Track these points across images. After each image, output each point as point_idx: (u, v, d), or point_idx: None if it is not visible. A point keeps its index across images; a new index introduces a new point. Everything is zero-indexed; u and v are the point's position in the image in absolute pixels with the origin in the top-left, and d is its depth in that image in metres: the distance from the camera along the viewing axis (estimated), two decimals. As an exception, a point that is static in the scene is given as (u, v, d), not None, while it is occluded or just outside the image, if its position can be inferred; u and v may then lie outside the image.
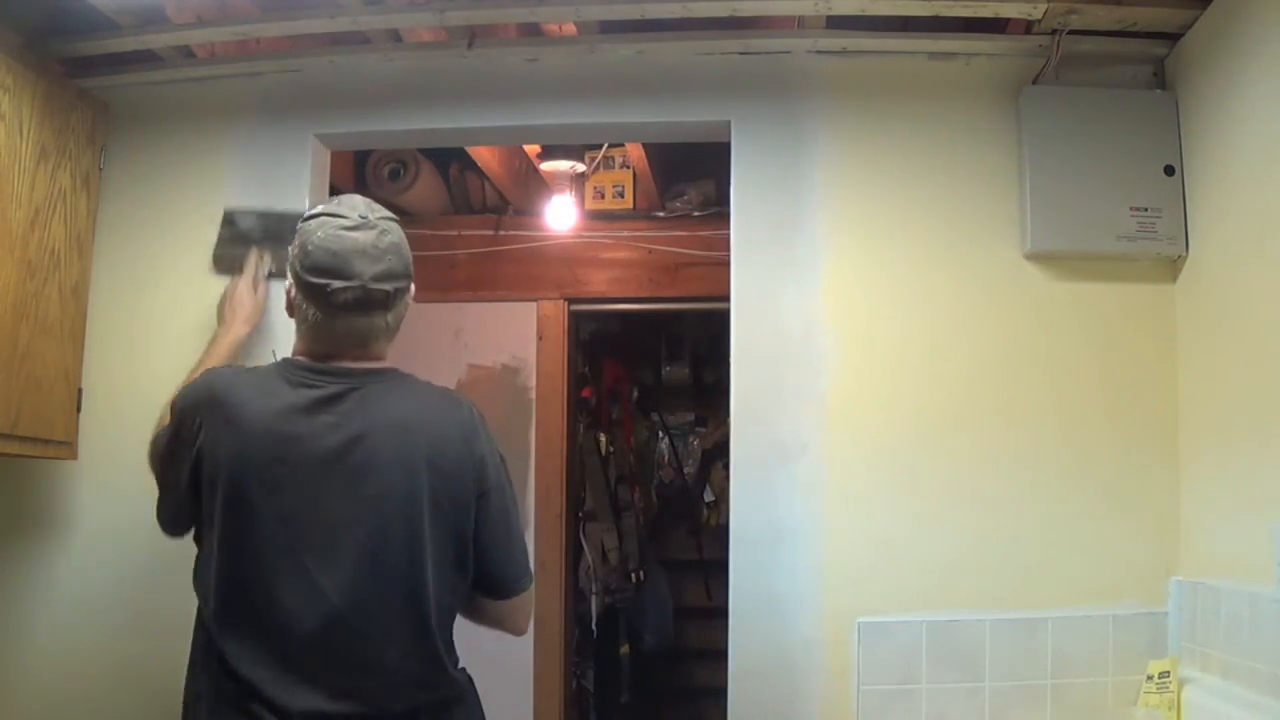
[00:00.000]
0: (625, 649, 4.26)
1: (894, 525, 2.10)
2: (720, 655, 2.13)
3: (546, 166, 3.43)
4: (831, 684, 2.06)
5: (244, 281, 2.13)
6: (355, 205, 1.56)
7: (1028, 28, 2.13)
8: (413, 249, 1.59)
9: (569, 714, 3.80)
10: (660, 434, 4.86)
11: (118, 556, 2.19)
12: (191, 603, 1.55)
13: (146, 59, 2.31)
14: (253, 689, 1.43)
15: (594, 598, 4.10)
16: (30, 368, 2.05)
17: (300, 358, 1.57)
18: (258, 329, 2.10)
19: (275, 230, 2.18)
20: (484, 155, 3.26)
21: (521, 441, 3.64)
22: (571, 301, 3.77)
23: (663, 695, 4.52)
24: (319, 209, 1.57)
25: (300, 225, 1.56)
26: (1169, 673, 1.96)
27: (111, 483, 2.20)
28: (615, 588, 4.23)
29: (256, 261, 2.17)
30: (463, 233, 3.73)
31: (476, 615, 1.66)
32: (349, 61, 2.32)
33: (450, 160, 3.66)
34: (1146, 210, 2.08)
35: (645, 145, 3.21)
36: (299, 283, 1.53)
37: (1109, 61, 2.16)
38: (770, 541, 2.11)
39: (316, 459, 1.48)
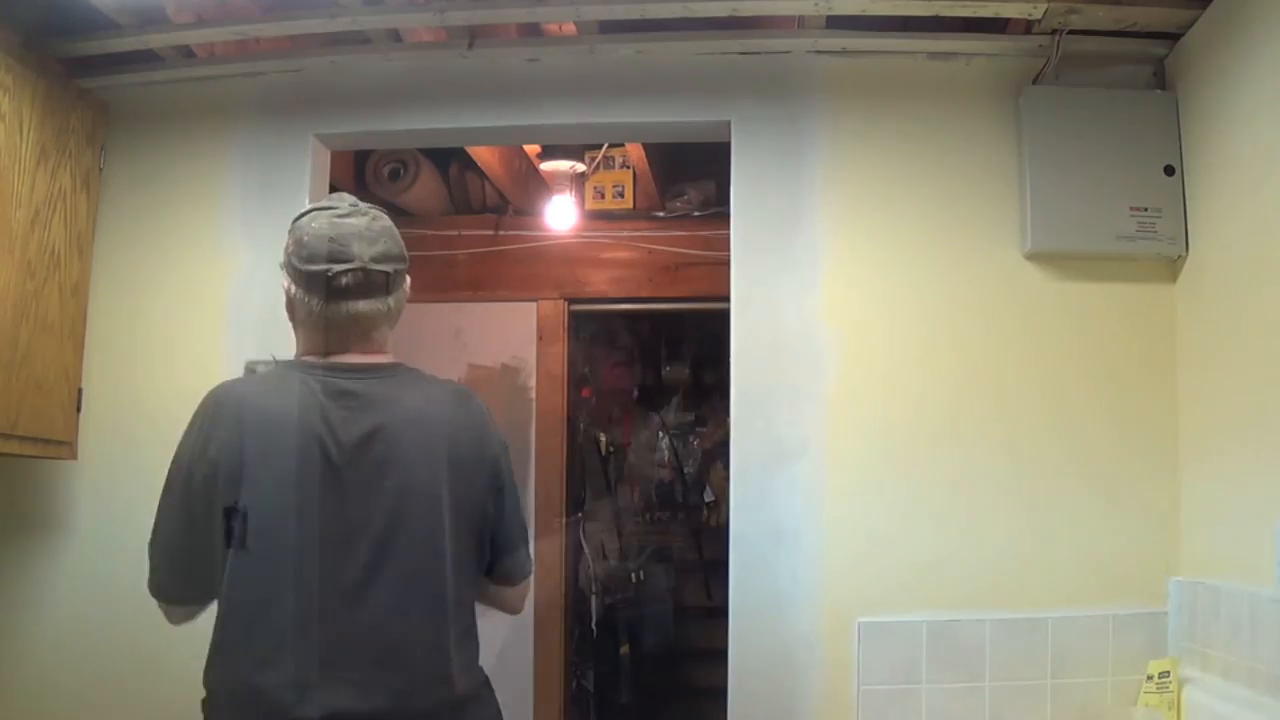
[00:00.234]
0: (625, 649, 4.25)
1: (894, 524, 2.10)
2: (720, 655, 2.13)
3: (546, 166, 3.43)
4: (832, 683, 2.06)
5: None
6: (344, 198, 1.57)
7: (1028, 28, 2.13)
8: (413, 249, 1.59)
9: (569, 714, 3.80)
10: (660, 434, 4.86)
11: (117, 556, 2.17)
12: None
13: (147, 59, 2.31)
14: (272, 686, 1.41)
15: (594, 598, 4.09)
16: (30, 368, 2.06)
17: (306, 357, 1.56)
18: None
19: None
20: (484, 155, 3.26)
21: (521, 442, 3.63)
22: (571, 301, 3.77)
23: (663, 695, 4.51)
24: (307, 207, 1.57)
25: (292, 225, 1.55)
26: (1169, 672, 1.96)
27: (111, 482, 2.21)
28: (615, 588, 4.23)
29: None
30: (463, 233, 3.73)
31: (479, 595, 1.64)
32: (349, 61, 2.32)
33: (450, 160, 3.66)
34: (1146, 210, 2.08)
35: (645, 145, 3.21)
36: (298, 276, 1.51)
37: (1109, 61, 2.16)
38: (770, 541, 2.12)
39: (334, 453, 1.47)
